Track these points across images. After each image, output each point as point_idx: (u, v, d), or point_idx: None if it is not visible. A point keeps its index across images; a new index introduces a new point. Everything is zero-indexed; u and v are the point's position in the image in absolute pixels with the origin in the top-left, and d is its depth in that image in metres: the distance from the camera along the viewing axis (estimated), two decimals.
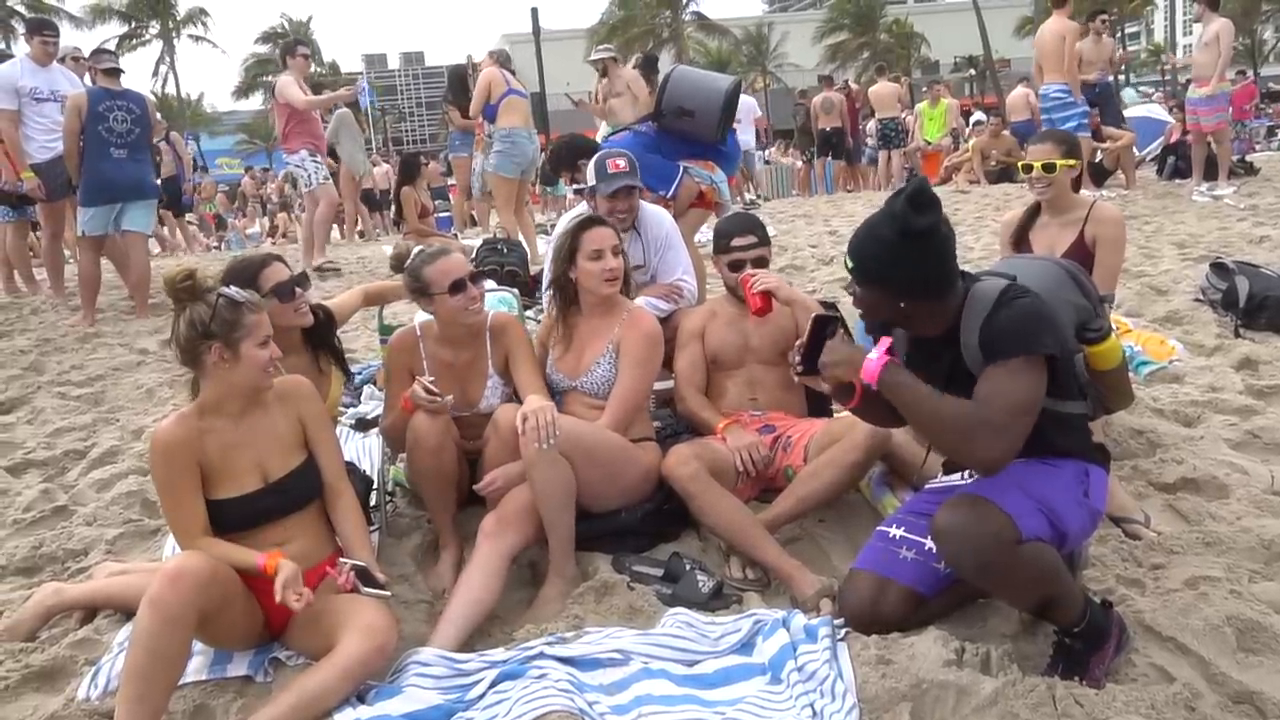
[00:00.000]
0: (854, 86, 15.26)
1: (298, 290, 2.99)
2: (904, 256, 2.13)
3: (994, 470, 2.08)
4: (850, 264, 2.22)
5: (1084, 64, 10.50)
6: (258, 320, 2.43)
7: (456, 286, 2.99)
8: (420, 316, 3.28)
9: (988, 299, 2.15)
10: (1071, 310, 2.31)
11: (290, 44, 8.78)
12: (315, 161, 8.23)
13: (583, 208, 4.10)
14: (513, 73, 8.86)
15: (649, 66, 10.73)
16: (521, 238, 7.92)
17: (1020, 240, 3.50)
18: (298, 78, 8.19)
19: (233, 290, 2.42)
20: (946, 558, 2.16)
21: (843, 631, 2.37)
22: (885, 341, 2.17)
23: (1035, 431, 2.11)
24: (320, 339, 3.15)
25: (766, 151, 15.43)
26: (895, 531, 2.44)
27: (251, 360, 2.41)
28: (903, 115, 14.48)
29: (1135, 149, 10.91)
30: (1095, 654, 2.16)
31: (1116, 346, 2.32)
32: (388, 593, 2.46)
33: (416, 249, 3.14)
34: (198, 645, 2.29)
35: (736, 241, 3.41)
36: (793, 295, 3.33)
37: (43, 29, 7.09)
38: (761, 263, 3.39)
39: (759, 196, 13.74)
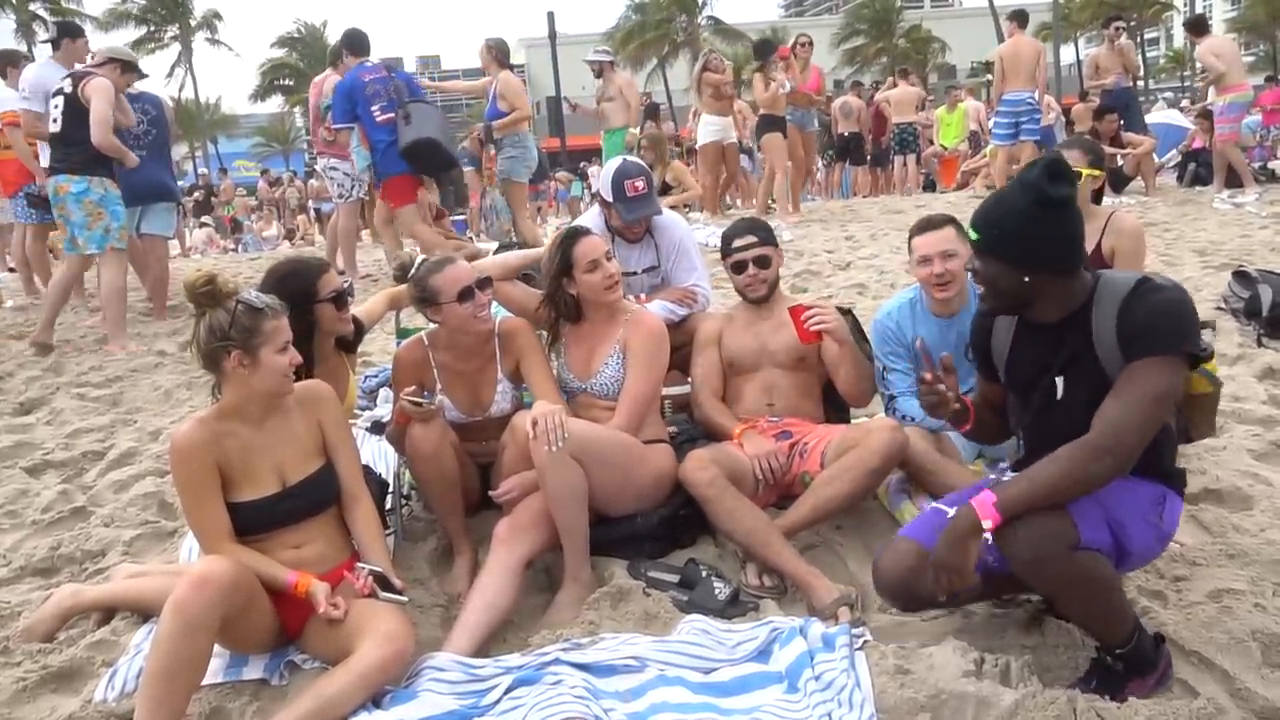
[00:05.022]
0: (878, 95, 15.06)
1: (349, 299, 3.02)
2: (1035, 225, 2.07)
3: (1123, 472, 1.99)
4: (975, 235, 2.16)
5: (1100, 70, 10.71)
6: (277, 326, 2.43)
7: (464, 294, 2.98)
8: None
9: (1123, 286, 2.07)
10: None
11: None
12: (346, 172, 7.96)
13: (594, 212, 4.11)
14: (514, 70, 8.75)
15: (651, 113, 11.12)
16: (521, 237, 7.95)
17: None
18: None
19: (252, 296, 2.43)
20: (1002, 546, 2.06)
21: (861, 641, 2.35)
22: (986, 495, 2.04)
23: None
24: (348, 345, 3.18)
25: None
26: (951, 511, 2.27)
27: (271, 366, 2.41)
28: (922, 119, 14.40)
29: (1155, 155, 10.86)
30: (1134, 680, 2.11)
31: (1214, 370, 2.22)
32: (404, 598, 2.47)
33: (419, 258, 3.13)
34: (214, 648, 2.29)
35: (736, 243, 3.42)
36: (845, 338, 3.20)
37: (81, 33, 7.14)
38: (764, 262, 3.39)
39: (771, 201, 13.68)
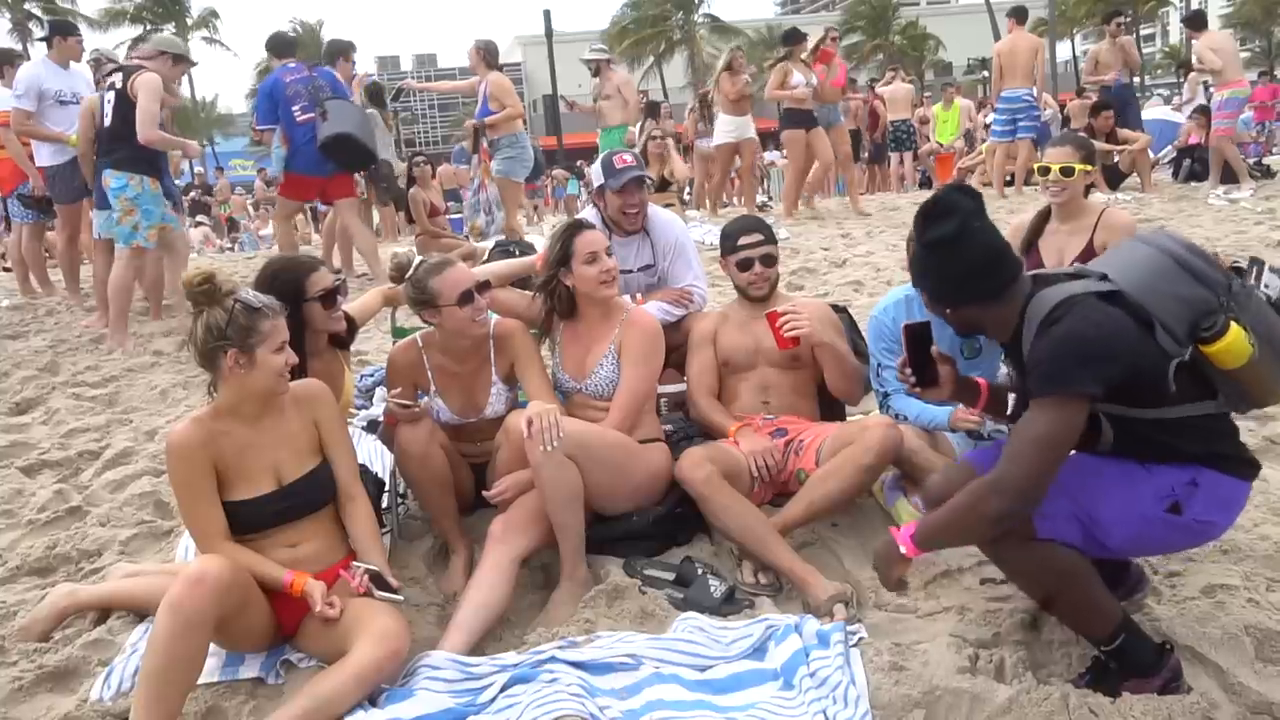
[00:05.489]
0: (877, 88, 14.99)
1: (339, 298, 3.01)
2: (927, 266, 2.17)
3: (1018, 512, 1.98)
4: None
5: (1100, 66, 10.73)
6: (274, 326, 2.43)
7: (465, 298, 2.97)
8: None
9: (1040, 313, 2.02)
10: (1179, 305, 2.02)
11: (344, 46, 8.59)
12: None
13: (590, 211, 4.10)
14: (503, 70, 8.78)
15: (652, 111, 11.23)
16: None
17: (1029, 247, 3.47)
18: (346, 83, 8.09)
19: (249, 295, 2.43)
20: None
21: (856, 638, 2.36)
22: (909, 526, 2.14)
23: (1137, 435, 2.07)
24: (342, 342, 3.18)
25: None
26: None
27: (267, 365, 2.42)
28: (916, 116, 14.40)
29: (1150, 151, 10.87)
30: (1131, 682, 2.09)
31: (1238, 342, 1.98)
32: (400, 596, 2.47)
33: (418, 259, 3.11)
34: (210, 647, 2.30)
35: (743, 240, 3.39)
36: (822, 339, 3.16)
37: (73, 31, 7.15)
38: (770, 260, 3.38)
39: (769, 199, 13.70)
